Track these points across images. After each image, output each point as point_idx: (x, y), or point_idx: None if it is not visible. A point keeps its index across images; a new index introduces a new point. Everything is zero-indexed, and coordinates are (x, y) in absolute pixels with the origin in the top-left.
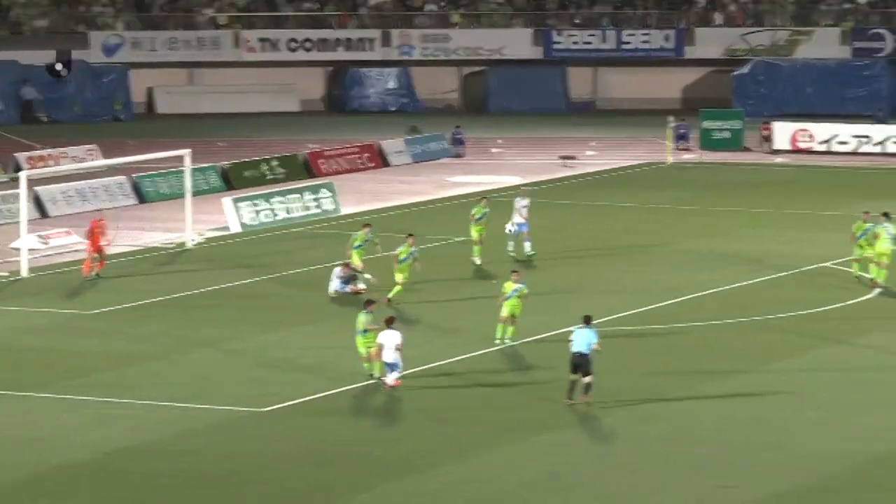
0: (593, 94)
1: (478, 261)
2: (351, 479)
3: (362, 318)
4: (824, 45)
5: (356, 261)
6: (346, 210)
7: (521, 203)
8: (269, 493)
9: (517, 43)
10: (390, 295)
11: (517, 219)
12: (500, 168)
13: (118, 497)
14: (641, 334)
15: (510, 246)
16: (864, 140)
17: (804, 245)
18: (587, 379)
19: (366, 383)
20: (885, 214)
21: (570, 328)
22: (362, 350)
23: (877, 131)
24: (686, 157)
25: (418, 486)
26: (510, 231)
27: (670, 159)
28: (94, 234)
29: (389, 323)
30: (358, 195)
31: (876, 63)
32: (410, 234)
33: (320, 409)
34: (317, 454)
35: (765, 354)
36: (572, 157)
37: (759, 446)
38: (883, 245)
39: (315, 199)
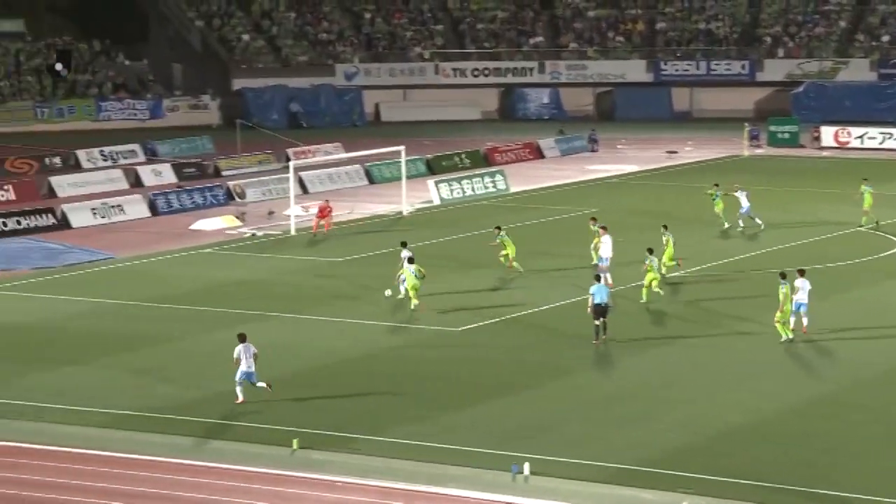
0: (690, 106)
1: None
2: None
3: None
4: (858, 71)
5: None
6: (514, 189)
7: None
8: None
9: (635, 70)
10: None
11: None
12: (624, 160)
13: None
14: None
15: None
16: (888, 136)
17: (835, 213)
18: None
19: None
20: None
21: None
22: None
23: None
24: (758, 152)
25: None
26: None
27: (746, 153)
28: (321, 212)
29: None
30: (522, 178)
31: None
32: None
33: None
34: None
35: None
36: (675, 152)
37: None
38: None
39: (492, 181)
